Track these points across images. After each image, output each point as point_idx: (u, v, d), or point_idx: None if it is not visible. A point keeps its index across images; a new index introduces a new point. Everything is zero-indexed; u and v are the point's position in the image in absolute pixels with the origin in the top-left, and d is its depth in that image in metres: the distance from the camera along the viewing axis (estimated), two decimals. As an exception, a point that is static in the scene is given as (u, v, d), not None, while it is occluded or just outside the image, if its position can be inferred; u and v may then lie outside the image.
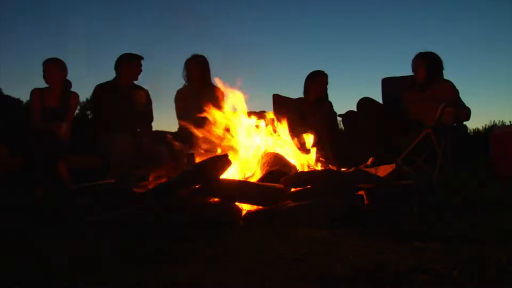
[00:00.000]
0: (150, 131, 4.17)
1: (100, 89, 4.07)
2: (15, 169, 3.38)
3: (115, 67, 4.08)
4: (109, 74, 4.15)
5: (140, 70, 4.11)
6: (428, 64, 4.02)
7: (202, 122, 3.16)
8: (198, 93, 4.15)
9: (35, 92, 3.82)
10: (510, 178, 4.21)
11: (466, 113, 3.88)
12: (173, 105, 4.38)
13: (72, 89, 4.00)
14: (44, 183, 3.25)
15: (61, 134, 3.66)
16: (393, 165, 2.90)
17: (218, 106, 3.14)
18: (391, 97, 4.35)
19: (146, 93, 4.19)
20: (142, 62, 4.10)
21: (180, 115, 4.18)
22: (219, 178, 2.51)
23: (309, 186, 2.55)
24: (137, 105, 4.00)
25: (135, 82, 4.15)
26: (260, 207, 2.42)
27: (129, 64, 4.04)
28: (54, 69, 3.82)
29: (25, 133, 3.56)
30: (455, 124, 3.85)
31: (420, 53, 4.08)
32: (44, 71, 3.82)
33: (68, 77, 3.95)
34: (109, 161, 3.63)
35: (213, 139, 3.05)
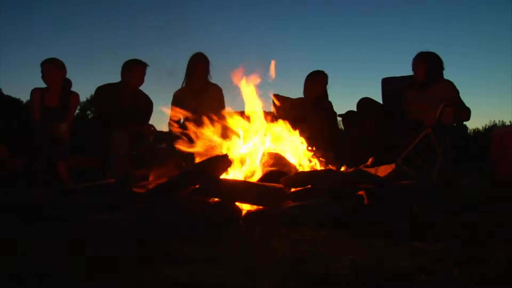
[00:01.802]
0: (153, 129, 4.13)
1: (103, 90, 4.05)
2: (15, 169, 3.38)
3: (121, 73, 4.04)
4: (110, 74, 4.15)
5: (143, 79, 4.07)
6: (429, 64, 4.01)
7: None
8: (200, 92, 4.18)
9: (35, 92, 3.82)
10: (510, 178, 4.21)
11: (466, 113, 3.88)
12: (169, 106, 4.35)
13: (72, 89, 4.00)
14: (44, 183, 3.25)
15: (61, 134, 3.65)
16: (393, 165, 2.90)
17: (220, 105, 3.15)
18: (391, 97, 4.35)
19: (140, 98, 4.16)
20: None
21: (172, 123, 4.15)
22: (219, 178, 2.51)
23: (309, 186, 2.55)
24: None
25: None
26: (260, 207, 2.42)
27: (133, 73, 3.98)
28: (52, 69, 3.81)
29: (25, 133, 3.56)
30: (455, 124, 3.85)
31: (421, 53, 4.08)
32: (42, 72, 3.81)
33: (68, 77, 3.95)
34: (109, 161, 3.63)
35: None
